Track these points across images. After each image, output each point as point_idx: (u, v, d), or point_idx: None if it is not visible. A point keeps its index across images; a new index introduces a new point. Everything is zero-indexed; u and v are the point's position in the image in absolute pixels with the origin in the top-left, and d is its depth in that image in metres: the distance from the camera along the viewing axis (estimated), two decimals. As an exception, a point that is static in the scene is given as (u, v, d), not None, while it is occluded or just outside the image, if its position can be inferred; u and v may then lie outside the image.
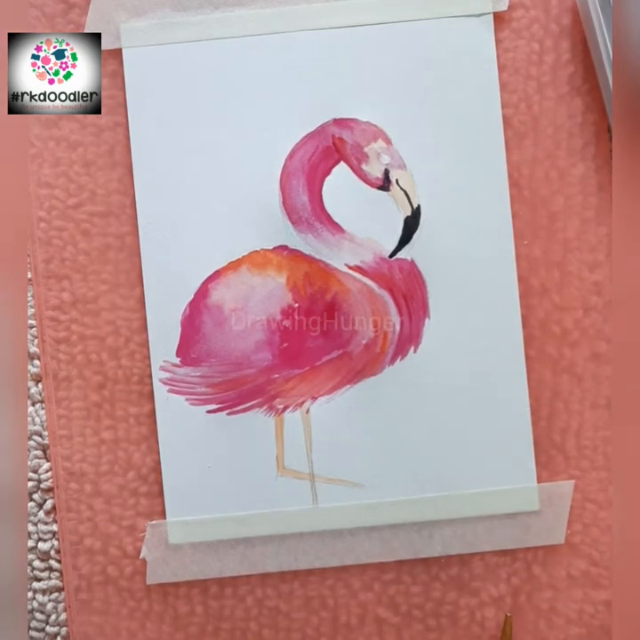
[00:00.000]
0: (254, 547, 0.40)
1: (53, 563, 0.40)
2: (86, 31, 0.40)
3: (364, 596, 0.40)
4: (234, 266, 0.40)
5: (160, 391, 0.40)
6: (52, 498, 0.40)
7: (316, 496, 0.40)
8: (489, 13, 0.40)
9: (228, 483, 0.39)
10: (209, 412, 0.40)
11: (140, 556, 0.40)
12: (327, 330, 0.40)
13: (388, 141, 0.40)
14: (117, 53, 0.40)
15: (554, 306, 0.40)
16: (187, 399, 0.40)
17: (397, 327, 0.40)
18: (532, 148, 0.40)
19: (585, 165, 0.40)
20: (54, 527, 0.40)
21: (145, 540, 0.40)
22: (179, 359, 0.40)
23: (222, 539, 0.40)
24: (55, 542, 0.40)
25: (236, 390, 0.40)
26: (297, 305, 0.40)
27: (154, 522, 0.40)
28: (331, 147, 0.40)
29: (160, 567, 0.40)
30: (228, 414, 0.40)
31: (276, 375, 0.40)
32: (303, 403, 0.40)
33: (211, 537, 0.40)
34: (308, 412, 0.40)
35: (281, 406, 0.40)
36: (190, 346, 0.40)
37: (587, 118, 0.40)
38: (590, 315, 0.40)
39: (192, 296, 0.40)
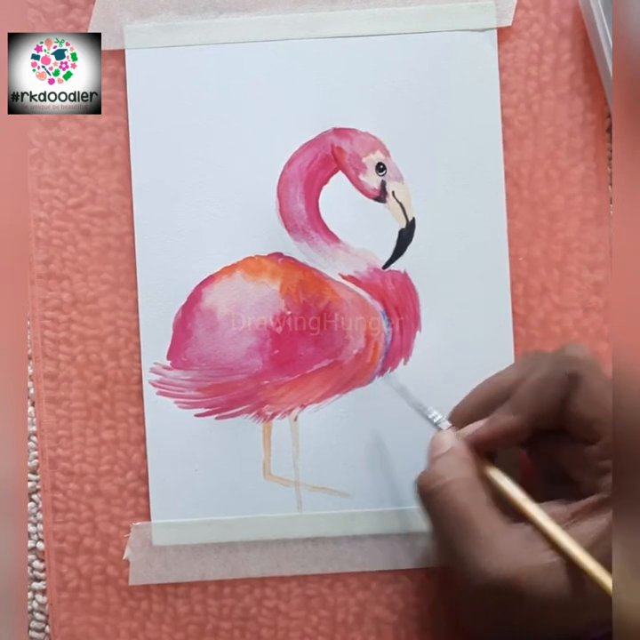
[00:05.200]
0: (237, 551, 0.40)
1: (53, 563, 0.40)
2: (90, 31, 0.40)
3: (362, 595, 0.40)
4: (228, 271, 0.40)
5: (150, 393, 0.40)
6: (51, 498, 0.40)
7: (300, 503, 0.40)
8: (493, 29, 0.40)
9: (214, 487, 0.40)
10: (197, 415, 0.40)
11: (124, 557, 0.40)
12: (319, 338, 0.40)
13: (386, 153, 0.40)
14: (118, 53, 0.40)
15: (554, 306, 0.40)
16: (176, 402, 0.40)
17: (388, 338, 0.40)
18: (532, 147, 0.40)
19: (585, 165, 0.40)
20: (54, 528, 0.40)
21: (129, 541, 0.40)
22: (169, 362, 0.40)
23: (206, 542, 0.40)
24: (54, 543, 0.40)
25: (226, 395, 0.40)
26: (289, 312, 0.40)
27: (138, 523, 0.40)
28: (329, 156, 0.40)
29: (143, 568, 0.40)
30: (216, 419, 0.40)
31: (266, 382, 0.40)
32: (292, 410, 0.40)
33: (195, 540, 0.40)
34: (296, 419, 0.40)
35: (270, 413, 0.40)
36: (181, 349, 0.40)
37: (587, 118, 0.40)
38: (590, 315, 0.40)
39: (185, 299, 0.40)
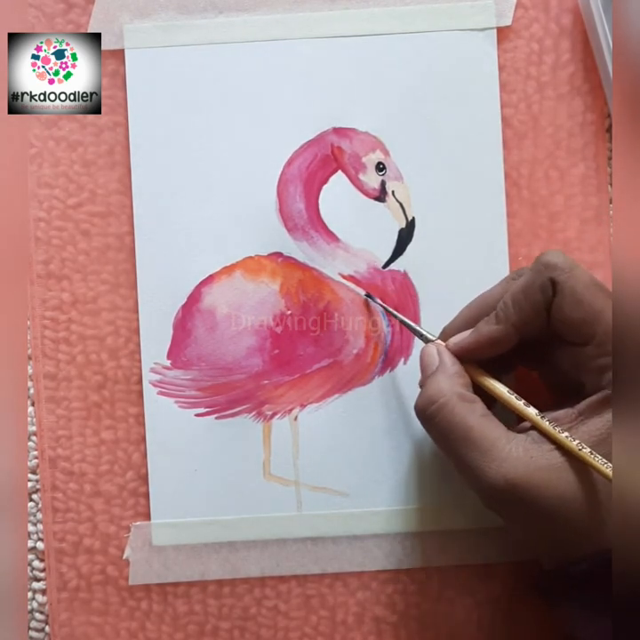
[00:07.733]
0: (237, 551, 0.40)
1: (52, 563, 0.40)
2: (89, 31, 0.40)
3: (362, 595, 0.40)
4: (228, 271, 0.40)
5: (150, 393, 0.40)
6: (50, 498, 0.40)
7: (300, 503, 0.40)
8: (492, 28, 0.40)
9: (214, 486, 0.40)
10: (197, 415, 0.40)
11: (124, 557, 0.40)
12: (319, 338, 0.40)
13: (385, 152, 0.40)
14: (118, 53, 0.40)
15: (553, 306, 0.40)
16: (176, 402, 0.40)
17: (388, 338, 0.40)
18: (532, 148, 0.40)
19: (585, 165, 0.40)
20: (54, 527, 0.40)
21: (129, 541, 0.40)
22: (169, 362, 0.40)
23: (206, 542, 0.40)
24: (54, 543, 0.40)
25: (226, 395, 0.40)
26: (289, 312, 0.40)
27: (138, 523, 0.40)
28: (329, 155, 0.40)
29: (143, 568, 0.40)
30: (216, 418, 0.40)
31: (266, 381, 0.40)
32: (292, 410, 0.40)
33: (194, 540, 0.40)
34: (296, 419, 0.40)
35: (269, 412, 0.40)
36: (181, 349, 0.40)
37: (587, 118, 0.40)
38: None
39: (185, 299, 0.40)
